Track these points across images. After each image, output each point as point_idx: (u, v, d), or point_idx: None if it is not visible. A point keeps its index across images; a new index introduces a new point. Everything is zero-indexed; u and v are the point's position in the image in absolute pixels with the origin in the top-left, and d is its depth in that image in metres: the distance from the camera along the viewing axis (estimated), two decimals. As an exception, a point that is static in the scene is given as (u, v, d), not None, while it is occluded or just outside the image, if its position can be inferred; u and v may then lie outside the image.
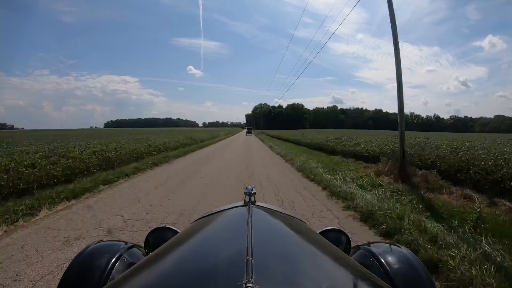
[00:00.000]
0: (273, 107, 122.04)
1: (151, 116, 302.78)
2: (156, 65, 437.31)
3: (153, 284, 0.56)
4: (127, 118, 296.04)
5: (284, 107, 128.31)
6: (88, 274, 0.89)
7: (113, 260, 0.92)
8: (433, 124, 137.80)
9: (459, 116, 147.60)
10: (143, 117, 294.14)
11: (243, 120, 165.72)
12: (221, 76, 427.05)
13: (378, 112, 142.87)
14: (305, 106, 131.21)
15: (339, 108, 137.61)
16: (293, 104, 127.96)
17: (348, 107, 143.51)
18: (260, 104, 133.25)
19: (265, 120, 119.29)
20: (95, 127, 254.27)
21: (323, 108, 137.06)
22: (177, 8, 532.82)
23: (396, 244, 1.12)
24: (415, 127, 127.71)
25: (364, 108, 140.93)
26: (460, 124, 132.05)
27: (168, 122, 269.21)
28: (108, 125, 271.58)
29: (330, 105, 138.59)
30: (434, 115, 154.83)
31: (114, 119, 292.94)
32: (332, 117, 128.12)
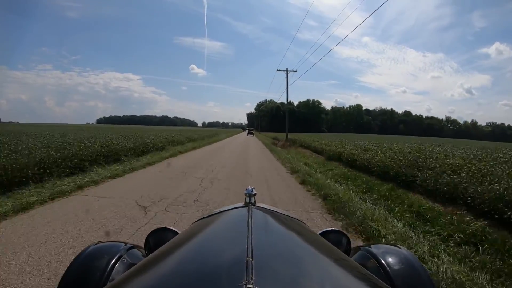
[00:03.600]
0: (282, 103, 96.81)
1: (152, 114, 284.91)
2: (159, 63, 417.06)
3: (153, 285, 0.56)
4: (121, 115, 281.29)
5: (295, 104, 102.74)
6: (87, 275, 0.87)
7: (113, 261, 0.90)
8: (471, 131, 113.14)
9: (496, 123, 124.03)
10: (137, 115, 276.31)
11: (245, 121, 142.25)
12: (224, 76, 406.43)
13: (407, 114, 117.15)
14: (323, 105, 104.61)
15: (363, 108, 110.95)
16: (308, 101, 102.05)
17: (373, 108, 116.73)
18: (265, 100, 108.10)
19: (272, 120, 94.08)
20: (92, 123, 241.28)
21: (343, 107, 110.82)
22: (181, 7, 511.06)
23: (397, 245, 1.09)
24: (456, 134, 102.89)
25: (392, 109, 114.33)
26: (498, 132, 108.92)
27: (164, 120, 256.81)
28: (101, 121, 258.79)
29: (353, 103, 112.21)
30: (472, 120, 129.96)
31: (114, 115, 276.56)
32: (356, 119, 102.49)
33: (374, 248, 0.99)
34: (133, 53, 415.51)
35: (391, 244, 1.14)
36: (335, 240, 1.05)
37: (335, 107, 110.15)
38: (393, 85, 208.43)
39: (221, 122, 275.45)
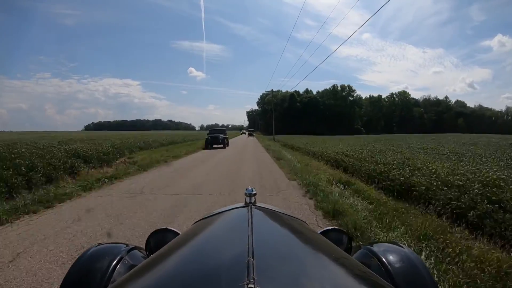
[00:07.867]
0: (297, 92, 67.39)
1: (144, 119, 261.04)
2: (158, 68, 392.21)
3: (154, 286, 0.56)
4: (111, 120, 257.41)
5: (314, 93, 72.83)
6: (89, 277, 0.87)
7: (114, 262, 0.90)
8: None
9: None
10: (128, 119, 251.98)
11: (245, 121, 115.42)
12: (224, 79, 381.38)
13: (461, 105, 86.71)
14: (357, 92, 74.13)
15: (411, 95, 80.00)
16: (334, 88, 72.26)
17: (418, 97, 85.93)
18: (272, 90, 78.63)
19: (284, 116, 65.09)
20: (81, 129, 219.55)
21: (381, 96, 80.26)
22: (178, 11, 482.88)
23: (398, 243, 1.10)
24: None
25: (447, 98, 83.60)
26: None
27: (157, 125, 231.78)
28: (89, 127, 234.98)
29: (396, 91, 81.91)
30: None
31: (103, 121, 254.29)
32: (401, 112, 72.61)
33: (375, 247, 0.98)
34: (132, 58, 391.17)
35: (392, 243, 1.15)
36: (336, 239, 1.04)
37: (373, 96, 79.46)
38: (394, 82, 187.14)
39: (220, 124, 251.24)
